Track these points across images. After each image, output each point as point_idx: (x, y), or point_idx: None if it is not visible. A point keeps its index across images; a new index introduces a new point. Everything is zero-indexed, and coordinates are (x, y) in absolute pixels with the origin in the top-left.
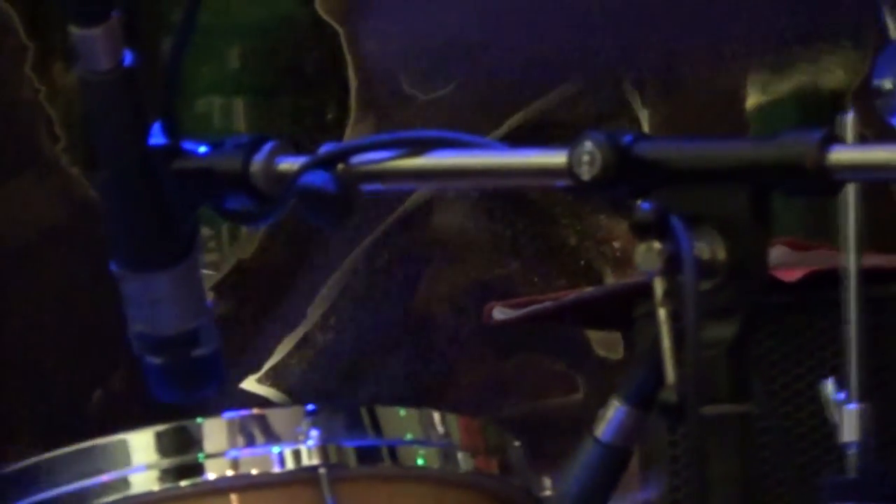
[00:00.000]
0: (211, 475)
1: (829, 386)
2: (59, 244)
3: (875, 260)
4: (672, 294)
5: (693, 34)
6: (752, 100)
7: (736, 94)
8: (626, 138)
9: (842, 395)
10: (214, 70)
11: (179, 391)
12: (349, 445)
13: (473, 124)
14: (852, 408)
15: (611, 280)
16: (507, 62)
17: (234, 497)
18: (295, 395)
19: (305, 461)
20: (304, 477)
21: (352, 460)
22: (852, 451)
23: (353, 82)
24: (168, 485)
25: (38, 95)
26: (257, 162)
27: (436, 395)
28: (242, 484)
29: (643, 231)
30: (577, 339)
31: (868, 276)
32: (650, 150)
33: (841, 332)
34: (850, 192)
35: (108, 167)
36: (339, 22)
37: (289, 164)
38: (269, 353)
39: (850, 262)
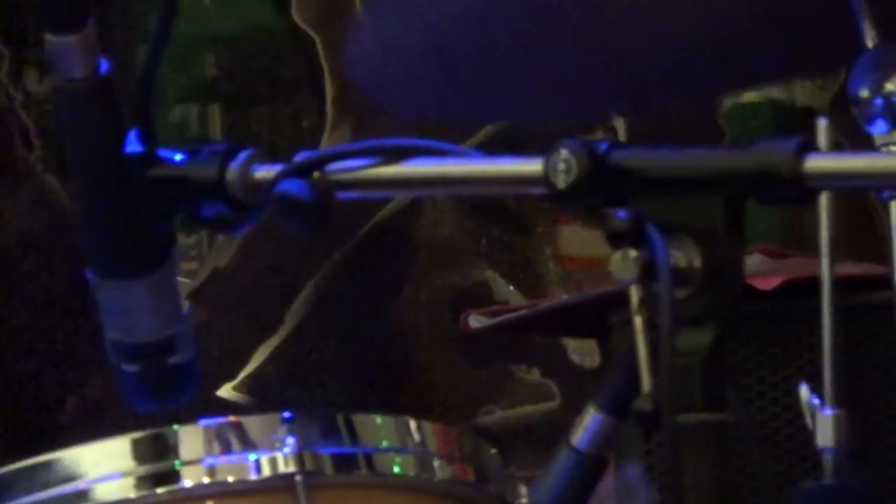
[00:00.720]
0: (187, 482)
1: (806, 391)
2: (34, 252)
3: (850, 268)
4: (648, 302)
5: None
6: (726, 104)
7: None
8: (602, 146)
9: (817, 401)
10: (191, 78)
11: (155, 399)
12: (325, 453)
13: (448, 132)
14: (828, 414)
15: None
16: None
17: None
18: (271, 403)
19: (282, 468)
20: (280, 484)
21: (328, 467)
22: (828, 457)
23: (329, 90)
24: (144, 492)
25: (13, 103)
26: (233, 170)
27: (412, 402)
28: (219, 491)
29: (619, 239)
30: (553, 347)
31: (843, 285)
32: (626, 159)
33: (817, 340)
34: (825, 200)
35: (83, 175)
36: (315, 30)
37: (265, 171)
38: (245, 361)
39: (825, 270)
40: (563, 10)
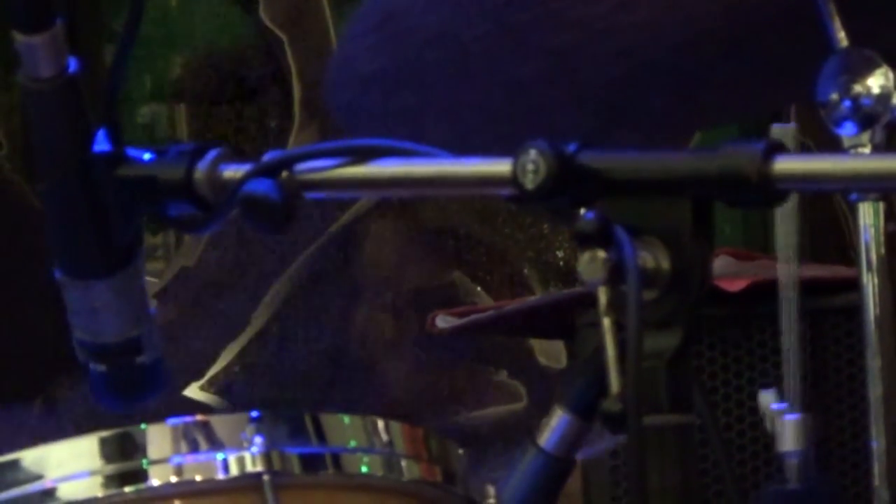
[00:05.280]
0: (155, 481)
1: (767, 397)
2: (1, 251)
3: (815, 270)
4: (615, 303)
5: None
6: None
7: None
8: (571, 147)
9: (780, 406)
10: (158, 78)
11: (123, 398)
12: (293, 452)
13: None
14: (791, 418)
15: (554, 289)
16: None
17: (177, 503)
18: (237, 403)
19: (249, 468)
20: (247, 483)
21: (295, 467)
22: (792, 461)
23: (296, 90)
24: (112, 491)
25: None
26: (201, 169)
27: (378, 402)
28: (186, 490)
29: (587, 240)
30: (520, 348)
31: (808, 287)
32: (594, 160)
33: (781, 342)
34: (790, 203)
35: (50, 174)
36: (282, 30)
37: (232, 171)
38: (212, 361)
39: (790, 272)
40: (536, 35)
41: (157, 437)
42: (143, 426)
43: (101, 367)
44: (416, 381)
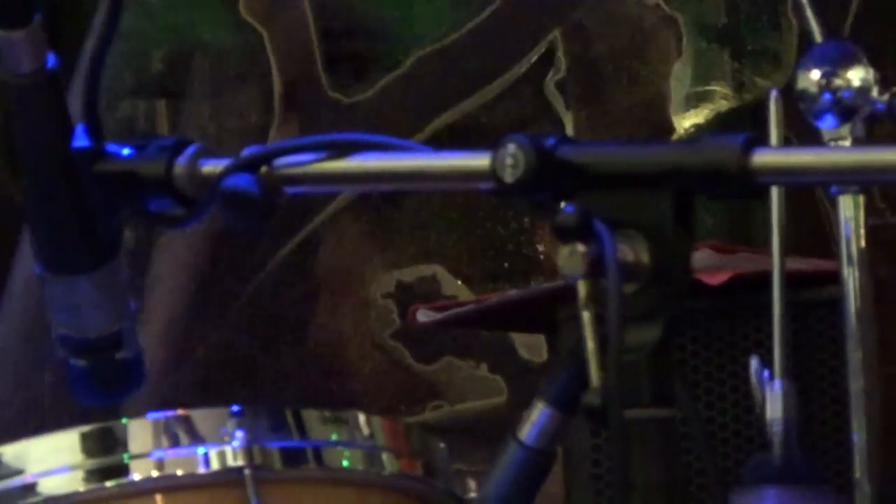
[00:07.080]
0: (136, 476)
1: (755, 364)
2: None
3: (797, 263)
4: (596, 297)
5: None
6: (677, 124)
7: (659, 95)
8: (550, 141)
9: (766, 375)
10: (137, 73)
11: (103, 393)
12: (274, 447)
13: (396, 127)
14: (778, 387)
15: (535, 283)
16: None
17: (159, 497)
18: (218, 398)
19: (230, 462)
20: (229, 478)
21: (277, 461)
22: (776, 431)
23: (276, 85)
24: (93, 485)
25: None
26: (181, 164)
27: (359, 397)
28: (167, 485)
29: (566, 234)
30: (501, 342)
31: (790, 280)
32: (573, 154)
33: (765, 335)
34: (774, 196)
35: (30, 170)
36: (262, 24)
37: (212, 166)
38: (192, 356)
39: (775, 265)
40: None
41: (138, 432)
42: (124, 421)
43: (82, 363)
44: (396, 375)
